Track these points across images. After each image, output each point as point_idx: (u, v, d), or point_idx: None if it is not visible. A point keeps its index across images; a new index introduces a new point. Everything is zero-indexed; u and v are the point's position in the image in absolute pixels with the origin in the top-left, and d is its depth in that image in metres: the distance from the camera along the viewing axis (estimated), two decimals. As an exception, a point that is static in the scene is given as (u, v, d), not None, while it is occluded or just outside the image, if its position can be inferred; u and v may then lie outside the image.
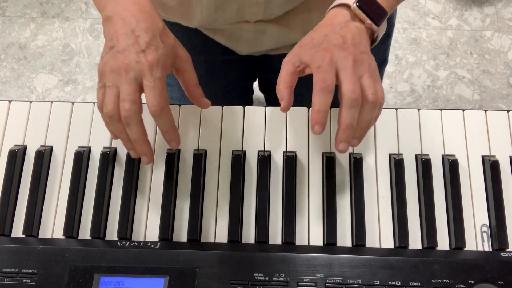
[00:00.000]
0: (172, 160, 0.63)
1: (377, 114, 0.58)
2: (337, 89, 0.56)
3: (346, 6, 0.60)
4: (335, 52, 0.55)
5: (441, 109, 0.65)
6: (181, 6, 0.77)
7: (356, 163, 0.62)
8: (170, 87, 0.93)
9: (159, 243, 0.57)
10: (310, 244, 0.60)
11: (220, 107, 0.66)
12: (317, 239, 0.60)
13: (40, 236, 0.61)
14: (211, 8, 0.74)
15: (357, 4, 0.59)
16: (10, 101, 0.67)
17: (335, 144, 0.56)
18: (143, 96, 0.57)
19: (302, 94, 0.64)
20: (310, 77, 0.57)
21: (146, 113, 0.57)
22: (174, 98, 0.93)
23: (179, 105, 0.66)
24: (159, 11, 0.77)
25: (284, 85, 0.57)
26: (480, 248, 0.59)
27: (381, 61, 0.97)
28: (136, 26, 0.56)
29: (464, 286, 0.53)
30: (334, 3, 0.62)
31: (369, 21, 0.59)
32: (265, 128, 0.65)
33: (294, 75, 0.58)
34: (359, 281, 0.53)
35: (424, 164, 0.62)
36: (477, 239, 0.60)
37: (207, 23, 0.79)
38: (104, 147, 0.64)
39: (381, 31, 0.62)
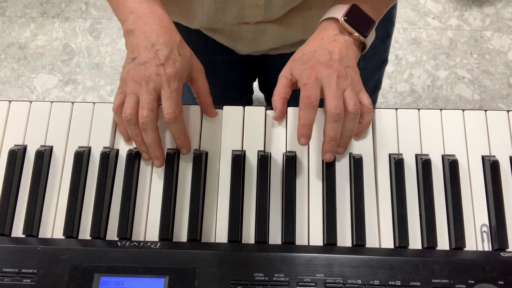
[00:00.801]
0: (172, 160, 0.63)
1: (367, 119, 0.63)
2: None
3: (335, 19, 0.65)
4: (321, 70, 0.60)
5: (441, 109, 0.65)
6: (182, 7, 0.78)
7: (356, 163, 0.62)
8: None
9: (159, 243, 0.57)
10: (310, 244, 0.60)
11: (220, 107, 0.66)
12: (317, 239, 0.60)
13: (40, 236, 0.61)
14: (211, 11, 0.74)
15: (345, 18, 0.64)
16: (10, 101, 0.68)
17: (321, 154, 0.62)
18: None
19: None
20: None
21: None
22: (187, 101, 0.94)
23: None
24: None
25: (278, 97, 0.64)
26: (480, 248, 0.59)
27: (381, 61, 0.97)
28: (156, 41, 0.61)
29: (464, 286, 0.53)
30: (325, 15, 0.66)
31: (356, 34, 0.64)
32: (265, 128, 0.65)
33: (288, 87, 0.64)
34: (359, 281, 0.53)
35: (424, 164, 0.62)
36: (477, 239, 0.60)
37: (207, 24, 0.80)
38: (104, 147, 0.64)
39: (369, 40, 0.67)
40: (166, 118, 0.60)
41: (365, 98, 0.62)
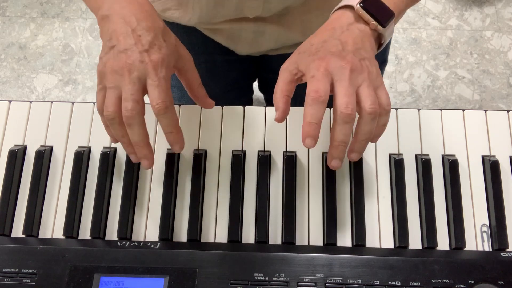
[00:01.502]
0: (172, 160, 0.63)
1: (384, 121, 0.55)
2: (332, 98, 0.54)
3: (350, 7, 0.57)
4: (331, 61, 0.52)
5: (441, 109, 0.65)
6: (180, 4, 0.77)
7: (356, 163, 0.62)
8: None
9: (159, 243, 0.57)
10: (310, 244, 0.60)
11: (220, 107, 0.66)
12: (317, 239, 0.60)
13: (40, 236, 0.61)
14: (210, 3, 0.74)
15: (361, 4, 0.55)
16: (10, 101, 0.67)
17: (327, 160, 0.54)
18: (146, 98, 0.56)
19: (302, 95, 0.64)
20: None
21: (146, 115, 0.56)
22: (174, 98, 0.93)
23: (179, 105, 0.66)
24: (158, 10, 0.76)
25: (280, 94, 0.55)
26: (480, 248, 0.59)
27: (381, 61, 0.97)
28: (137, 25, 0.54)
29: (464, 286, 0.53)
30: (338, 5, 0.59)
31: (374, 22, 0.56)
32: (265, 128, 0.65)
33: (291, 83, 0.56)
34: (359, 281, 0.53)
35: (424, 164, 0.62)
36: (477, 239, 0.60)
37: (205, 19, 0.79)
38: (104, 147, 0.64)
39: (388, 34, 0.58)
40: (156, 109, 0.53)
41: (384, 97, 0.54)
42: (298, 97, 0.59)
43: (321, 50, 0.54)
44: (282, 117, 0.55)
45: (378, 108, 0.53)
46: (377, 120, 0.53)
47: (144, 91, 0.54)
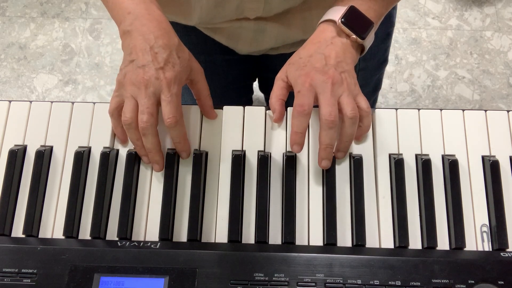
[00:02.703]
0: (172, 160, 0.63)
1: (367, 123, 0.62)
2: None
3: (333, 21, 0.64)
4: (315, 77, 0.60)
5: (441, 109, 0.65)
6: (180, 4, 0.77)
7: (356, 163, 0.62)
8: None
9: (159, 243, 0.57)
10: (310, 244, 0.60)
11: (220, 107, 0.66)
12: (317, 239, 0.60)
13: (40, 236, 0.61)
14: (211, 4, 0.74)
15: (342, 20, 0.63)
16: (10, 101, 0.67)
17: (318, 161, 0.61)
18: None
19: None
20: None
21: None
22: (186, 101, 0.94)
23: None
24: None
25: (275, 99, 0.64)
26: (480, 248, 0.59)
27: (381, 61, 0.97)
28: (154, 43, 0.60)
29: (464, 286, 0.53)
30: (323, 17, 0.66)
31: (354, 36, 0.63)
32: (265, 128, 0.65)
33: (285, 89, 0.64)
34: (359, 281, 0.53)
35: (424, 164, 0.62)
36: (477, 239, 0.60)
37: (206, 19, 0.79)
38: (104, 147, 0.64)
39: (368, 42, 0.65)
40: (167, 123, 0.60)
41: (363, 102, 0.62)
42: (290, 97, 0.64)
43: (307, 65, 0.61)
44: (279, 118, 0.64)
45: (357, 113, 0.60)
46: (361, 122, 0.62)
47: (158, 104, 0.60)
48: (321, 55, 0.62)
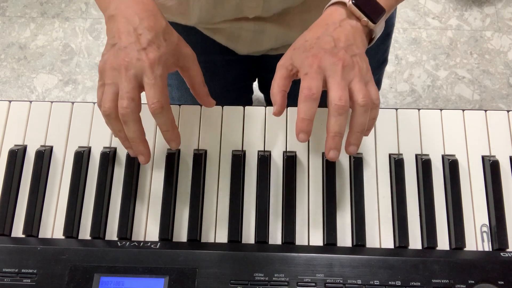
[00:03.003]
0: (172, 160, 0.63)
1: (374, 115, 0.57)
2: (325, 94, 0.56)
3: (342, 3, 0.59)
4: (324, 59, 0.55)
5: (441, 109, 0.65)
6: (179, 4, 0.77)
7: (356, 163, 0.62)
8: (169, 87, 0.93)
9: (159, 243, 0.57)
10: (310, 244, 0.60)
11: (220, 107, 0.66)
12: (317, 239, 0.60)
13: (40, 236, 0.61)
14: (210, 3, 0.74)
15: (353, 1, 0.58)
16: (10, 101, 0.67)
17: (325, 152, 0.55)
18: (143, 96, 0.56)
19: (297, 94, 0.64)
20: None
21: (147, 113, 0.57)
22: (174, 98, 0.93)
23: (179, 105, 0.66)
24: None
25: (277, 89, 0.57)
26: (480, 248, 0.59)
27: (381, 61, 0.97)
28: (138, 25, 0.56)
29: (464, 286, 0.53)
30: (332, 1, 0.61)
31: (365, 19, 0.58)
32: (265, 128, 0.65)
33: (288, 79, 0.58)
34: (359, 281, 0.53)
35: (424, 164, 0.62)
36: (477, 239, 0.60)
37: (205, 19, 0.79)
38: (104, 147, 0.64)
39: (378, 29, 0.61)
40: (151, 109, 0.55)
41: (374, 91, 0.56)
42: (291, 95, 0.60)
43: (315, 47, 0.56)
44: (279, 111, 0.57)
45: (370, 101, 0.55)
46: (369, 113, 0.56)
47: (141, 88, 0.56)
48: (330, 37, 0.56)
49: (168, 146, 0.64)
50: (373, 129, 0.64)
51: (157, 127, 0.65)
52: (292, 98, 0.60)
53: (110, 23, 0.58)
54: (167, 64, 0.57)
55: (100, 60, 0.57)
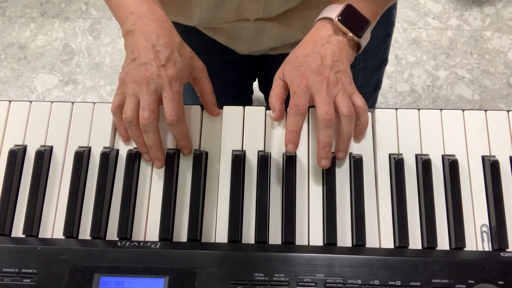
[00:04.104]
0: (172, 160, 0.63)
1: (364, 120, 0.63)
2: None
3: (330, 19, 0.64)
4: (310, 78, 0.61)
5: (441, 109, 0.65)
6: (180, 4, 0.77)
7: (356, 163, 0.62)
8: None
9: (159, 243, 0.57)
10: (310, 244, 0.60)
11: (220, 107, 0.66)
12: (317, 239, 0.60)
13: (40, 236, 0.61)
14: (211, 5, 0.74)
15: (339, 18, 0.63)
16: (10, 101, 0.68)
17: (317, 161, 0.61)
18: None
19: None
20: None
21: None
22: (187, 100, 0.94)
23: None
24: None
25: (275, 97, 0.64)
26: (480, 248, 0.59)
27: (381, 61, 0.97)
28: (156, 42, 0.60)
29: (464, 286, 0.53)
30: (320, 15, 0.66)
31: (350, 34, 0.63)
32: (265, 128, 0.65)
33: (284, 88, 0.65)
34: (359, 281, 0.53)
35: (424, 164, 0.62)
36: (477, 239, 0.60)
37: (206, 21, 0.79)
38: (104, 147, 0.64)
39: (364, 40, 0.66)
40: (169, 121, 0.60)
41: (359, 100, 0.62)
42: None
43: (303, 66, 0.62)
44: (279, 116, 0.64)
45: (353, 111, 0.61)
46: (358, 120, 0.62)
47: (160, 101, 0.61)
48: (317, 54, 0.62)
49: (168, 146, 0.65)
50: (373, 129, 0.65)
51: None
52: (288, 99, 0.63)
53: (129, 38, 0.62)
54: (183, 79, 0.62)
55: (121, 71, 0.63)
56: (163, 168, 0.63)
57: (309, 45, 0.64)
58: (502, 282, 0.53)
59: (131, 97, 0.61)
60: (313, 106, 0.62)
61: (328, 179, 0.62)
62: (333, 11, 0.64)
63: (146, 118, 0.59)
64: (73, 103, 0.67)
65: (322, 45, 0.63)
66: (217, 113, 0.66)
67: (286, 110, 0.65)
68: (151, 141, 0.61)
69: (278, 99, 0.64)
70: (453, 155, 0.63)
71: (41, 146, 0.65)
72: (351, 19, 0.64)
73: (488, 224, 0.60)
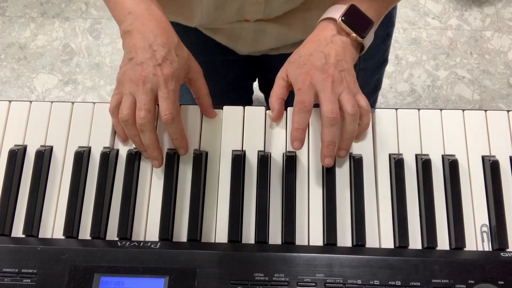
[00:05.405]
0: (172, 160, 0.63)
1: (366, 121, 0.63)
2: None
3: (333, 20, 0.64)
4: (315, 76, 0.60)
5: (441, 109, 0.65)
6: (181, 5, 0.78)
7: (356, 163, 0.62)
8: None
9: (159, 243, 0.57)
10: (310, 244, 0.60)
11: (220, 107, 0.66)
12: (317, 239, 0.60)
13: (40, 236, 0.61)
14: (211, 7, 0.74)
15: (342, 18, 0.63)
16: (10, 101, 0.68)
17: (321, 159, 0.61)
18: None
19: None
20: None
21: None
22: (187, 101, 0.94)
23: (179, 105, 0.66)
24: None
25: (275, 97, 0.64)
26: (480, 248, 0.59)
27: (381, 61, 0.97)
28: (153, 41, 0.60)
29: (464, 286, 0.53)
30: (323, 15, 0.66)
31: (354, 34, 0.63)
32: (265, 128, 0.65)
33: (285, 88, 0.64)
34: (359, 281, 0.53)
35: (424, 164, 0.62)
36: (477, 239, 0.60)
37: (207, 22, 0.79)
38: (104, 147, 0.64)
39: (367, 41, 0.66)
40: (164, 119, 0.60)
41: (362, 100, 0.62)
42: (291, 97, 0.64)
43: (307, 64, 0.62)
44: (278, 117, 0.64)
45: (358, 110, 0.61)
46: (360, 120, 0.62)
47: (156, 100, 0.61)
48: (321, 53, 0.62)
49: (168, 146, 0.65)
50: (373, 129, 0.65)
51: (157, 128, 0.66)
52: (292, 100, 0.62)
53: (126, 37, 0.62)
54: (179, 78, 0.62)
55: (118, 71, 0.63)
56: (163, 168, 0.63)
57: (313, 45, 0.64)
58: (502, 282, 0.53)
59: (128, 96, 0.61)
60: (316, 106, 0.62)
61: (328, 179, 0.62)
62: (337, 12, 0.64)
63: (142, 118, 0.59)
64: (73, 103, 0.67)
65: (326, 44, 0.63)
66: (213, 115, 0.66)
67: (286, 110, 0.65)
68: (148, 140, 0.61)
69: (278, 99, 0.64)
70: (453, 155, 0.63)
71: (41, 146, 0.65)
72: (355, 20, 0.63)
73: (488, 224, 0.60)
